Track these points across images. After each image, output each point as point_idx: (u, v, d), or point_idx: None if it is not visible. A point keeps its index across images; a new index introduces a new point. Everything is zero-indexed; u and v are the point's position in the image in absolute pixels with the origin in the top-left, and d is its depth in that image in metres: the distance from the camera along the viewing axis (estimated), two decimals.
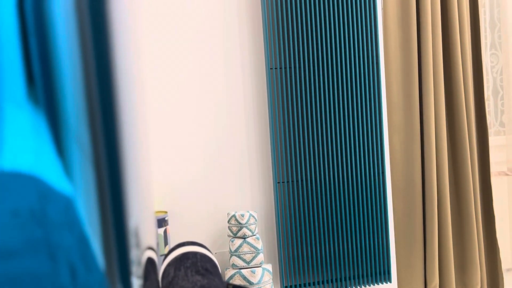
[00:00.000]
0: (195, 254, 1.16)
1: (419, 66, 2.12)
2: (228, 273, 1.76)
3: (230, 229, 1.79)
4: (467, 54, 2.14)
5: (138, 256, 0.36)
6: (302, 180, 1.90)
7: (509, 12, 2.44)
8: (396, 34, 2.09)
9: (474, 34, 2.20)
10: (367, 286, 1.98)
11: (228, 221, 1.79)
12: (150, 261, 0.44)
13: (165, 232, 1.78)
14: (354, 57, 1.92)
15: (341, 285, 1.95)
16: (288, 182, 1.89)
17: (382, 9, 2.09)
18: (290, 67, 1.87)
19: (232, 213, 1.79)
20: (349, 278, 1.96)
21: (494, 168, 2.49)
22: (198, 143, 1.88)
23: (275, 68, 1.86)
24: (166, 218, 1.78)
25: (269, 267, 1.79)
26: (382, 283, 2.00)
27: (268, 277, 1.76)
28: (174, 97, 1.85)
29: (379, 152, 1.96)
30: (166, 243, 1.77)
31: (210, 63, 1.87)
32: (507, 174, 2.34)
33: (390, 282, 2.01)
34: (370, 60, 1.93)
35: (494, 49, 2.56)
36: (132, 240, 0.33)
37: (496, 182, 2.47)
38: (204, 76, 1.87)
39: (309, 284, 1.92)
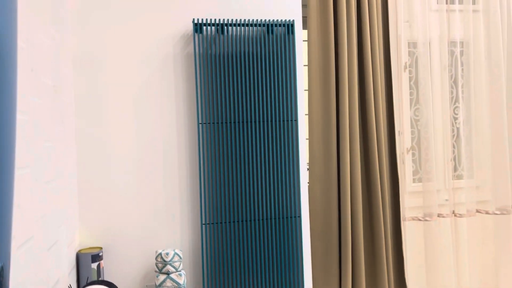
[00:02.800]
0: None
1: (337, 124, 2.40)
2: None
3: (156, 266, 2.02)
4: (380, 113, 2.43)
5: None
6: (225, 222, 2.15)
7: (432, 72, 2.74)
8: (318, 95, 2.38)
9: (387, 90, 2.50)
10: None
11: (156, 258, 2.02)
12: None
13: (98, 266, 2.01)
14: (275, 113, 2.19)
15: None
16: (213, 223, 2.14)
17: (307, 68, 2.38)
18: (217, 122, 2.14)
19: (159, 251, 2.02)
20: None
21: (413, 212, 2.76)
22: (134, 185, 2.13)
23: (204, 123, 2.13)
24: (100, 254, 2.00)
25: None
26: None
27: None
28: (117, 141, 2.10)
29: (296, 199, 2.22)
30: (98, 277, 1.99)
31: (150, 116, 2.14)
32: (420, 220, 2.61)
33: None
34: (289, 117, 2.21)
35: (418, 104, 2.86)
36: None
37: (411, 226, 2.74)
38: (144, 125, 2.13)
39: None
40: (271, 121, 2.19)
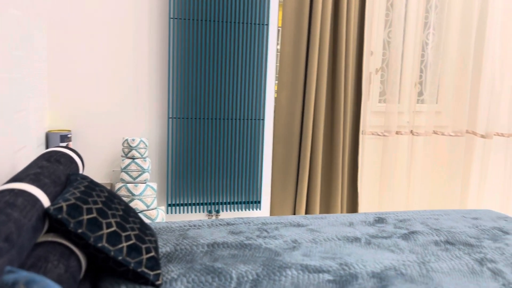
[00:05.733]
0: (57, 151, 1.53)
1: (308, 35, 2.46)
2: (117, 186, 2.13)
3: (123, 151, 2.14)
4: (351, 31, 2.49)
5: None
6: (192, 118, 2.25)
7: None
8: (292, 2, 2.41)
9: (361, 12, 2.54)
10: (240, 211, 2.40)
11: (122, 144, 2.14)
12: None
13: (66, 147, 2.12)
14: (245, 16, 2.23)
15: (219, 207, 2.36)
16: (180, 118, 2.25)
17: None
18: (189, 18, 2.18)
19: (126, 138, 2.14)
20: (226, 203, 2.37)
21: (374, 129, 2.90)
22: (104, 73, 2.19)
23: (176, 18, 2.17)
24: (69, 135, 2.11)
25: (154, 185, 2.17)
26: (253, 210, 2.42)
27: (150, 192, 2.14)
28: (88, 27, 2.14)
29: (261, 102, 2.32)
30: None
31: (122, 8, 2.16)
32: (379, 135, 2.76)
33: (260, 209, 2.43)
34: (260, 21, 2.25)
35: (392, 26, 2.91)
36: None
37: (370, 141, 2.89)
38: (117, 17, 2.16)
39: (190, 205, 2.33)
40: (242, 23, 2.24)
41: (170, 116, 2.23)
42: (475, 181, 2.92)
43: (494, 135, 2.89)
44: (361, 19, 2.55)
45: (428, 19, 2.85)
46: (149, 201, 2.12)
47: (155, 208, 2.16)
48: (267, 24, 2.25)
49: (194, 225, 1.56)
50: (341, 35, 2.46)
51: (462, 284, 1.17)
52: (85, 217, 1.05)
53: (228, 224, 1.60)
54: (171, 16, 2.16)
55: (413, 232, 1.55)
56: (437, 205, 3.06)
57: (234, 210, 2.38)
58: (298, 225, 1.61)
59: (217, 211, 2.36)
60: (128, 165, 2.11)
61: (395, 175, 2.83)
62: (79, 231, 1.02)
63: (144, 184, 2.12)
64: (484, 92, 2.83)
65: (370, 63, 2.83)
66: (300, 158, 2.52)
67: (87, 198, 1.12)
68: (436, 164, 2.98)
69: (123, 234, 1.11)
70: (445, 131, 2.90)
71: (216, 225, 1.58)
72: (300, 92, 2.48)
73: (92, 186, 1.22)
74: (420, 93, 2.97)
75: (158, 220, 2.15)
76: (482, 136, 2.84)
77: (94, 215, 1.08)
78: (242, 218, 1.69)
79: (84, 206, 1.08)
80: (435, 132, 2.86)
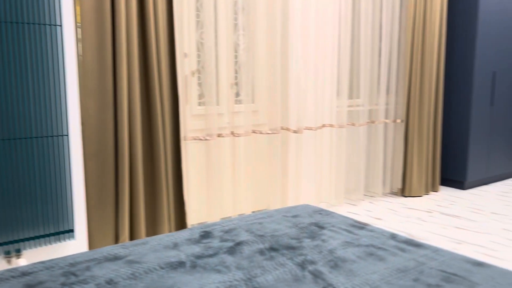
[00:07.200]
0: None
1: (113, 40, 2.22)
2: None
3: None
4: (161, 34, 2.34)
5: None
6: None
7: None
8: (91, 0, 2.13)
9: (170, 21, 2.42)
10: (48, 245, 2.04)
11: None
12: None
13: None
14: (31, 14, 1.88)
15: (20, 246, 1.96)
16: None
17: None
18: None
19: None
20: (30, 239, 1.98)
21: (197, 134, 2.83)
22: None
23: None
24: None
25: None
26: (65, 241, 2.08)
27: None
28: None
29: (61, 115, 2.00)
30: None
31: None
32: (201, 139, 2.70)
33: (74, 239, 2.11)
34: (50, 21, 1.93)
35: (204, 28, 2.87)
36: None
37: (193, 146, 2.82)
38: None
39: None
40: (25, 23, 1.87)
41: None
42: (292, 175, 3.12)
43: (304, 129, 3.13)
44: (170, 19, 2.42)
45: (237, 21, 2.89)
46: None
47: None
48: (60, 25, 1.93)
49: None
50: (150, 36, 2.29)
51: None
52: None
53: (23, 274, 1.29)
54: None
55: (238, 244, 1.50)
56: (263, 203, 3.17)
57: (40, 246, 2.00)
58: (115, 258, 1.40)
59: (18, 251, 1.95)
60: None
61: (221, 179, 2.82)
62: None
63: None
64: (292, 90, 3.03)
65: (185, 66, 2.74)
66: (118, 173, 2.28)
67: None
68: (257, 163, 3.08)
69: None
70: (263, 129, 3.01)
71: (7, 279, 1.25)
72: (110, 100, 2.23)
73: None
74: (237, 94, 3.01)
75: None
76: (295, 132, 3.05)
77: None
78: (43, 262, 1.39)
79: None
80: (254, 131, 2.95)
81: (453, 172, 4.06)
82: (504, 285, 1.18)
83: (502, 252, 2.56)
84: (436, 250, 1.43)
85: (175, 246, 1.51)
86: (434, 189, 3.93)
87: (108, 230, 2.26)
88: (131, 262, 1.37)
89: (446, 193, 3.91)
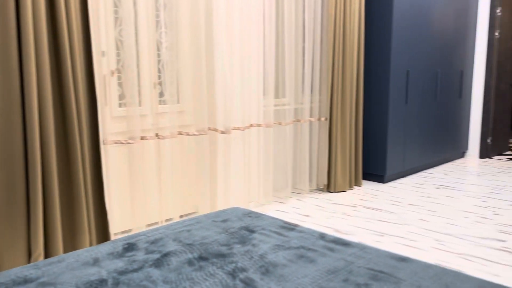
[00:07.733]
0: None
1: (18, 34, 2.01)
2: None
3: None
4: (74, 26, 2.16)
5: None
6: None
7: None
8: None
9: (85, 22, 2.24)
10: None
11: None
12: None
13: None
14: None
15: None
16: None
17: None
18: None
19: None
20: None
21: (119, 137, 2.67)
22: None
23: None
24: None
25: None
26: None
27: None
28: None
29: None
30: None
31: None
32: (123, 143, 2.55)
33: None
34: None
35: (124, 25, 2.71)
36: None
37: (114, 150, 2.66)
38: None
39: None
40: None
41: None
42: (221, 177, 3.07)
43: (232, 129, 3.09)
44: (84, 15, 2.25)
45: (159, 18, 2.77)
46: None
47: None
48: None
49: None
50: (61, 33, 2.11)
51: None
52: None
53: None
54: None
55: (165, 255, 1.42)
56: (192, 207, 3.09)
57: None
58: (26, 281, 1.25)
59: None
60: None
61: (146, 184, 2.69)
62: None
63: None
64: (219, 89, 2.97)
65: (103, 65, 2.57)
66: (28, 183, 2.07)
67: None
68: (185, 166, 2.98)
69: None
70: (190, 130, 2.92)
71: None
72: (17, 103, 2.01)
73: None
74: (162, 94, 2.90)
75: None
76: (223, 132, 2.99)
77: None
78: None
79: None
80: (180, 133, 2.85)
81: (374, 167, 4.26)
82: (426, 279, 1.23)
83: (419, 242, 2.72)
84: (363, 248, 1.46)
85: (96, 262, 1.39)
86: (357, 184, 4.10)
87: (18, 247, 2.05)
88: (44, 284, 1.23)
89: (368, 187, 4.10)
